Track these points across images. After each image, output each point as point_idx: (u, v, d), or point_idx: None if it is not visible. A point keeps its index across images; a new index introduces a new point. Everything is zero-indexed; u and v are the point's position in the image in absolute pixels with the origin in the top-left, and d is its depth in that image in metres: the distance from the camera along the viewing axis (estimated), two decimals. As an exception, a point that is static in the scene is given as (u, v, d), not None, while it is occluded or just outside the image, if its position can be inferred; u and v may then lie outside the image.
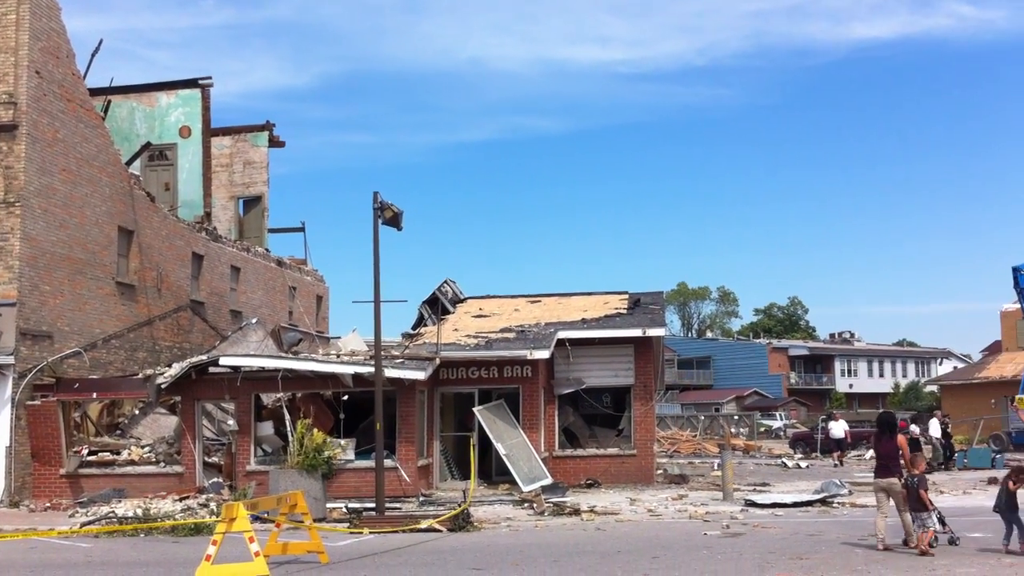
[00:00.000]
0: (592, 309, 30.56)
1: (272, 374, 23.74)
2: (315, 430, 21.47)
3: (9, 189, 24.08)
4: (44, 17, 25.22)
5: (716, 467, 31.01)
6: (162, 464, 24.19)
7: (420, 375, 23.56)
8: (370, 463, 21.75)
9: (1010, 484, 14.14)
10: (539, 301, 33.09)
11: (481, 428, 25.07)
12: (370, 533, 17.30)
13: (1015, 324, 51.03)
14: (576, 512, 20.21)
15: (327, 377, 23.73)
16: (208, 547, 12.11)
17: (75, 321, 26.05)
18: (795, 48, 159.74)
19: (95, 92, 30.20)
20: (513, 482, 24.19)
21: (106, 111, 31.95)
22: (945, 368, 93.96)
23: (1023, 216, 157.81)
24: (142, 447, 25.01)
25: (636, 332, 27.44)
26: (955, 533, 14.80)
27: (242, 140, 40.07)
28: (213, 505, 20.60)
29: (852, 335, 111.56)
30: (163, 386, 24.11)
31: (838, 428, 38.84)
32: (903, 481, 14.26)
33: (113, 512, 20.40)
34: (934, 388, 68.96)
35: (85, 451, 24.53)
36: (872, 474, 15.55)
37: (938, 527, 14.12)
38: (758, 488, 25.74)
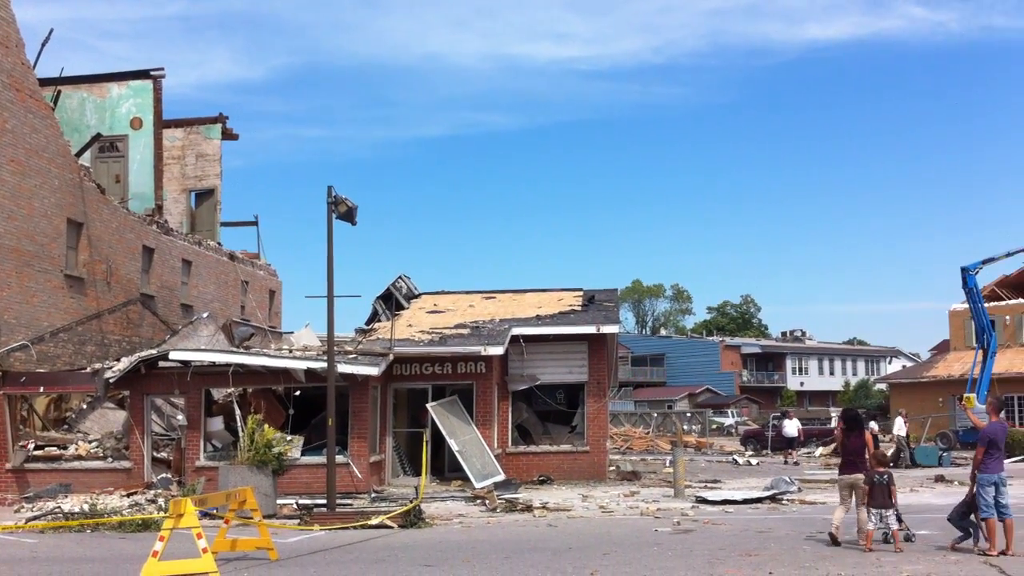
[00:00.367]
0: (547, 306, 30.61)
1: (223, 369, 23.54)
2: (266, 426, 21.30)
3: (-46, 179, 23.64)
4: (-8, 5, 24.79)
5: (668, 464, 31.19)
6: (110, 459, 23.90)
7: (373, 371, 23.46)
8: (322, 459, 21.61)
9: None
10: (494, 297, 33.09)
11: (434, 424, 25.03)
12: (321, 530, 17.18)
13: (963, 324, 51.76)
14: (528, 508, 20.23)
15: (279, 372, 23.57)
16: (155, 543, 11.96)
17: (23, 314, 25.64)
18: (750, 48, 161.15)
19: (45, 82, 29.71)
20: (466, 478, 24.17)
21: (56, 101, 31.44)
22: (894, 367, 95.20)
23: (972, 216, 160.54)
24: (90, 442, 24.69)
25: (590, 329, 27.52)
26: (911, 530, 14.99)
27: (195, 132, 39.65)
28: (161, 501, 20.36)
29: (803, 333, 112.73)
30: (112, 380, 23.83)
31: (791, 426, 39.28)
32: (870, 478, 14.38)
33: (59, 507, 20.12)
34: (883, 386, 69.83)
35: (31, 446, 24.17)
36: (837, 470, 15.67)
37: (896, 524, 14.27)
38: (709, 485, 25.92)
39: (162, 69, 35.96)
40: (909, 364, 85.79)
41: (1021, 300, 52.67)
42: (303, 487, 22.47)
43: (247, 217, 43.91)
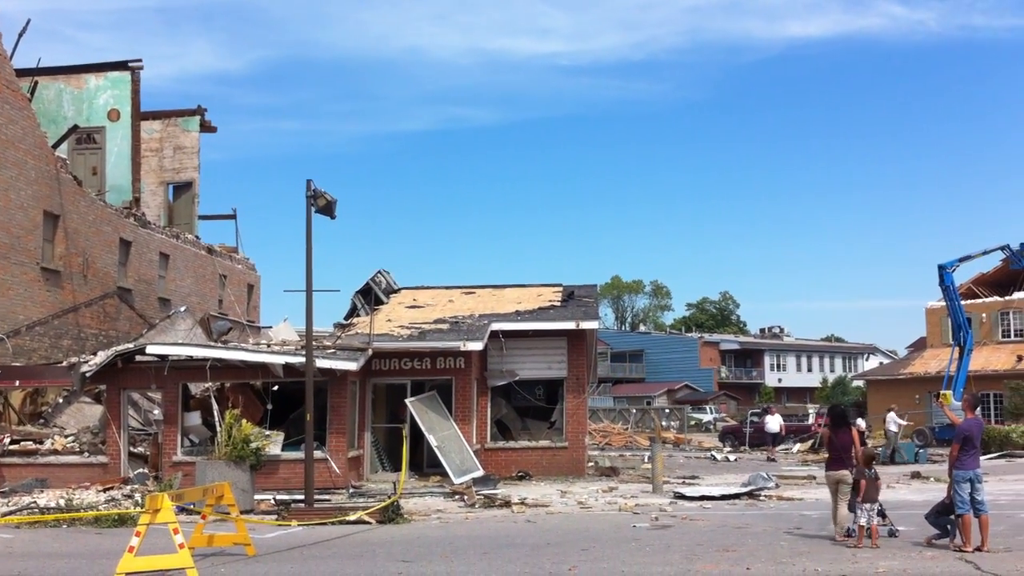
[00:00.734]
0: (526, 301, 30.59)
1: (200, 363, 23.42)
2: (244, 421, 21.20)
3: (-71, 170, 23.42)
4: (-32, -5, 24.56)
5: (647, 460, 31.23)
6: (86, 454, 23.74)
7: (352, 366, 23.38)
8: (300, 454, 21.54)
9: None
10: (473, 292, 33.03)
11: (413, 420, 24.96)
12: (298, 525, 17.12)
13: (940, 321, 52.12)
14: (507, 504, 20.22)
15: (257, 367, 23.47)
16: (132, 538, 11.87)
17: (-3, 307, 25.44)
18: (730, 45, 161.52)
19: (21, 73, 29.50)
20: (444, 474, 24.13)
21: (33, 93, 31.23)
22: (871, 363, 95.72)
23: (949, 214, 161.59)
24: (66, 436, 24.53)
25: (569, 325, 27.51)
26: (894, 525, 15.09)
27: (173, 124, 39.45)
28: (138, 496, 20.25)
29: (781, 330, 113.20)
30: (88, 374, 23.66)
31: (774, 422, 39.24)
32: (861, 473, 14.44)
33: (35, 502, 19.98)
34: (861, 383, 70.20)
35: (7, 440, 23.98)
36: (824, 466, 15.75)
37: (877, 520, 14.32)
38: (687, 481, 25.98)
39: (140, 60, 35.77)
40: (886, 361, 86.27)
41: (997, 298, 53.10)
42: (281, 482, 22.39)
43: (225, 210, 43.81)
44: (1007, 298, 52.84)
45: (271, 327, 32.34)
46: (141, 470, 23.31)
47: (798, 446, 42.18)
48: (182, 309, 31.16)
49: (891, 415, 35.67)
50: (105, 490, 21.47)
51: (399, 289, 33.56)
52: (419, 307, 30.74)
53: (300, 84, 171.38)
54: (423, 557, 13.66)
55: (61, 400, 26.92)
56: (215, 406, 23.27)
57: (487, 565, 12.94)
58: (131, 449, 24.05)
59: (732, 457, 38.64)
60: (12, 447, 23.82)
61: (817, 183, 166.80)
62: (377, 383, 26.38)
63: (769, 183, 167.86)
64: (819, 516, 17.83)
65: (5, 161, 25.91)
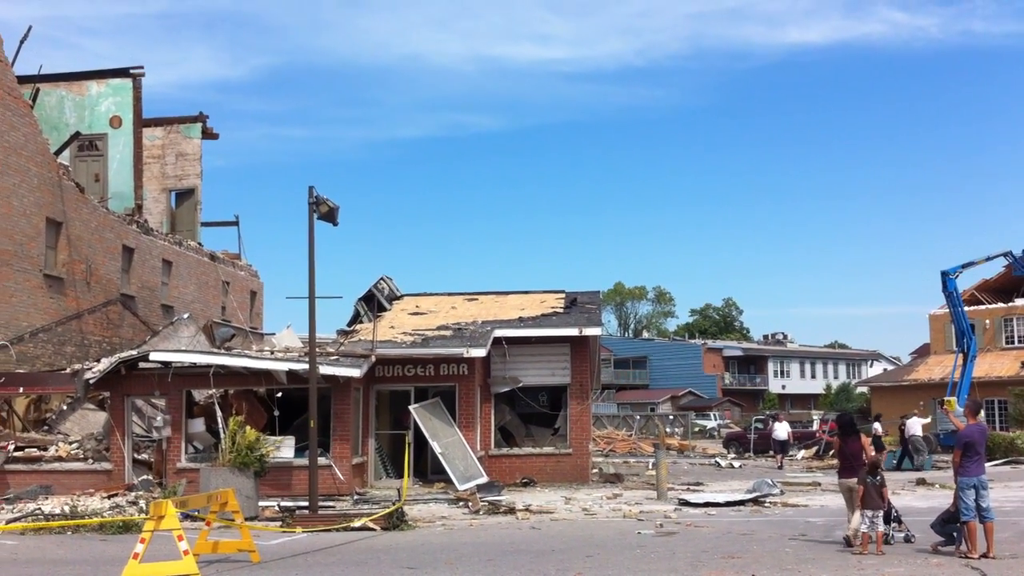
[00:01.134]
0: (529, 308, 30.58)
1: (204, 370, 23.41)
2: (248, 427, 21.17)
3: (-67, 178, 23.44)
4: (-28, 2, 24.60)
5: (651, 466, 31.22)
6: (90, 461, 23.73)
7: (355, 372, 23.37)
8: (304, 461, 21.52)
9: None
10: (476, 299, 33.03)
11: (417, 426, 24.96)
12: (303, 532, 17.09)
13: (943, 327, 52.05)
14: (511, 511, 20.18)
15: (260, 374, 23.47)
16: (136, 545, 11.86)
17: (1, 314, 25.46)
18: (731, 51, 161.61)
19: (23, 80, 29.52)
20: (448, 481, 24.10)
21: (34, 99, 31.24)
22: (875, 370, 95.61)
23: (952, 221, 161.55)
24: (70, 443, 24.52)
25: (573, 331, 27.50)
26: (911, 531, 15.06)
27: (175, 131, 39.48)
28: (142, 503, 20.20)
29: (785, 336, 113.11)
30: (92, 381, 23.66)
31: (782, 429, 39.00)
32: (863, 479, 14.42)
33: (40, 509, 19.95)
34: (865, 390, 70.12)
35: (11, 447, 23.96)
36: (836, 474, 15.78)
37: (883, 527, 14.26)
38: (692, 487, 25.93)
39: (142, 67, 35.82)
40: (890, 367, 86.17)
41: (1001, 304, 53.02)
42: (285, 489, 22.37)
43: (228, 217, 43.81)
44: (1010, 304, 52.76)
45: (274, 334, 32.34)
46: (145, 477, 23.29)
47: (802, 453, 42.12)
48: (185, 316, 31.16)
49: (914, 419, 35.45)
50: (109, 497, 21.43)
51: (402, 296, 33.57)
52: (422, 314, 30.74)
53: (302, 91, 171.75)
54: (428, 564, 13.63)
55: (65, 407, 26.91)
56: (219, 413, 23.25)
57: (492, 572, 12.91)
58: (135, 456, 24.03)
59: (737, 464, 38.57)
60: (16, 454, 23.80)
61: (820, 189, 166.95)
62: (380, 390, 26.37)
63: (772, 189, 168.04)
64: (824, 523, 17.80)
65: (7, 168, 25.94)
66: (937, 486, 25.81)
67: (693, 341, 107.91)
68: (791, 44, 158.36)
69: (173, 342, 27.67)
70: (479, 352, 25.59)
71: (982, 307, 52.38)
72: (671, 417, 67.27)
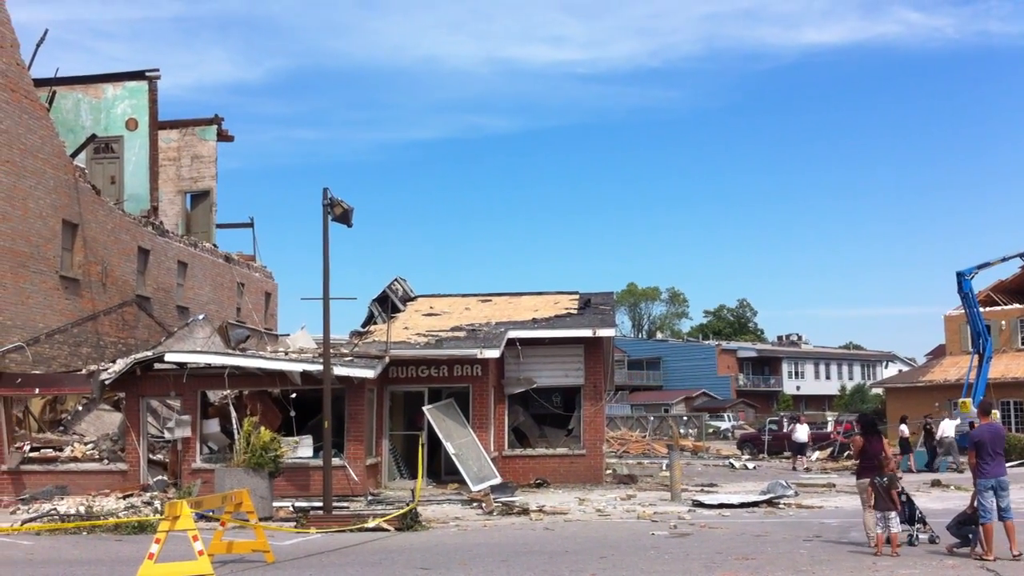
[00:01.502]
0: (543, 309, 30.59)
1: (219, 371, 23.49)
2: (262, 428, 21.24)
3: (-50, 180, 23.59)
4: (-13, 6, 24.76)
5: (664, 468, 31.15)
6: (106, 461, 23.84)
7: (369, 373, 23.42)
8: (318, 461, 21.58)
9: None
10: (490, 300, 33.05)
11: (430, 427, 24.99)
12: (317, 532, 17.14)
13: (959, 328, 51.83)
14: (525, 512, 20.19)
15: (275, 375, 23.54)
16: (151, 545, 11.91)
17: (18, 315, 25.58)
18: (746, 52, 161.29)
19: (40, 83, 29.67)
20: (462, 481, 24.13)
21: (51, 102, 31.39)
22: (890, 371, 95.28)
23: (967, 221, 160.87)
24: (85, 444, 24.63)
25: (586, 332, 27.49)
26: (935, 532, 15.02)
27: (190, 134, 39.64)
28: (157, 503, 20.30)
29: (799, 338, 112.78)
30: (107, 382, 23.77)
31: (802, 431, 38.81)
32: (871, 480, 14.40)
33: (55, 509, 20.06)
34: (880, 391, 69.87)
35: (27, 447, 24.11)
36: (856, 474, 15.77)
37: (897, 528, 14.21)
38: (706, 489, 25.89)
39: (157, 70, 35.95)
40: (905, 369, 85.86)
41: (1017, 305, 52.77)
42: (299, 490, 22.43)
43: (243, 219, 44.01)
44: (1027, 305, 52.53)
45: (289, 335, 32.41)
46: (160, 477, 23.39)
47: (817, 454, 41.97)
48: (200, 317, 31.27)
49: (947, 421, 35.23)
50: (125, 497, 21.54)
51: (416, 297, 33.62)
52: (436, 315, 30.78)
53: (316, 93, 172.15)
54: (442, 564, 13.65)
55: (81, 408, 27.04)
56: (233, 414, 23.33)
57: (506, 573, 12.93)
58: (150, 456, 24.13)
59: (751, 465, 38.47)
60: (32, 454, 23.94)
61: (834, 190, 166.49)
62: (394, 391, 26.42)
63: (786, 190, 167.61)
64: (839, 524, 17.75)
65: (24, 170, 26.08)
66: (952, 488, 25.72)
67: (707, 342, 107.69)
68: (806, 45, 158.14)
69: (188, 343, 27.77)
70: (493, 353, 25.61)
71: (998, 308, 52.12)
72: (685, 418, 67.11)
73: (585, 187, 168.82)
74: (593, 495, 24.03)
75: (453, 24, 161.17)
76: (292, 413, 23.88)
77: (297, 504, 20.98)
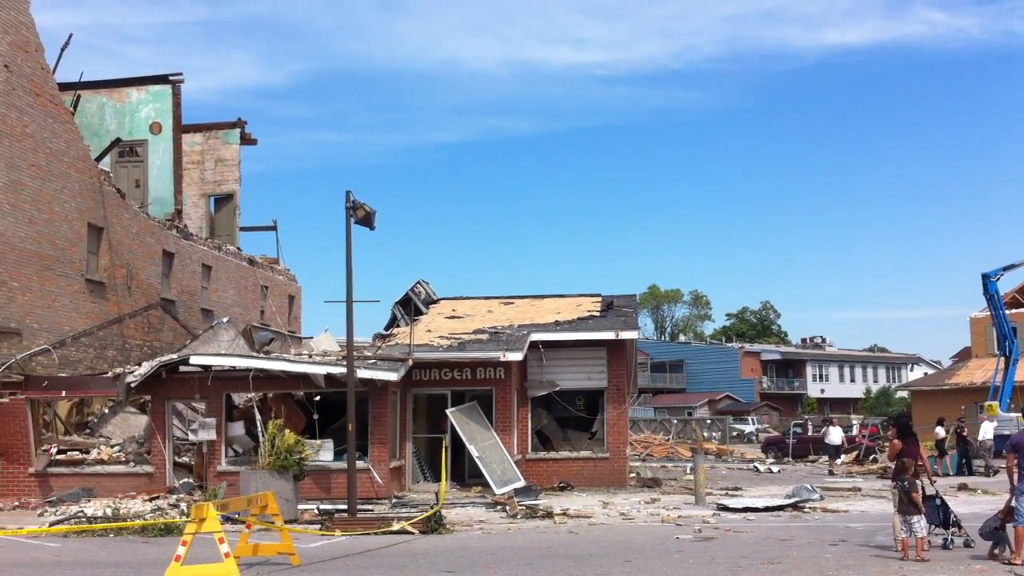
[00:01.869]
0: (565, 311, 30.55)
1: (243, 374, 23.58)
2: (287, 431, 21.31)
3: (-22, 184, 23.80)
4: (12, 10, 24.95)
5: (688, 471, 31.04)
6: (132, 464, 23.97)
7: (392, 376, 23.45)
8: (342, 464, 21.62)
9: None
10: (512, 303, 33.04)
11: (454, 430, 25.00)
12: (342, 535, 17.18)
13: (984, 330, 51.51)
14: (549, 515, 20.16)
15: (299, 377, 23.59)
16: (178, 548, 11.96)
17: (44, 318, 25.77)
18: (769, 53, 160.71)
19: (64, 87, 29.87)
20: (486, 484, 24.12)
21: (75, 106, 31.61)
22: (916, 374, 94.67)
23: (993, 223, 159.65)
24: (112, 446, 24.77)
25: (609, 335, 27.43)
26: (970, 536, 14.93)
27: (214, 137, 39.83)
28: (183, 505, 20.41)
29: (824, 340, 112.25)
30: (133, 385, 23.89)
31: (835, 434, 38.49)
32: (894, 484, 14.31)
33: (82, 511, 20.19)
34: (905, 394, 69.44)
35: (54, 450, 24.26)
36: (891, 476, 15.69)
37: (923, 532, 14.12)
38: (730, 492, 25.78)
39: (181, 74, 36.14)
40: (930, 371, 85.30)
41: (1043, 306, 52.35)
42: (324, 492, 22.48)
43: (266, 222, 44.12)
44: (1053, 307, 52.12)
45: (312, 338, 32.52)
46: (186, 479, 23.49)
47: (843, 457, 41.69)
48: (224, 320, 31.41)
49: (987, 423, 34.95)
50: (151, 499, 21.64)
51: (438, 300, 33.65)
52: (458, 317, 30.79)
53: (338, 96, 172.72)
54: (466, 567, 13.65)
55: (107, 410, 27.20)
56: (258, 416, 23.41)
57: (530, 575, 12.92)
58: (176, 459, 24.24)
59: (775, 468, 38.29)
60: (59, 457, 24.09)
61: (858, 191, 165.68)
62: (418, 393, 26.44)
63: (809, 191, 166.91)
64: (865, 528, 17.64)
65: (49, 174, 26.27)
66: (979, 491, 25.53)
67: (730, 345, 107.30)
68: (829, 45, 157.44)
69: (213, 346, 27.89)
70: (516, 356, 25.60)
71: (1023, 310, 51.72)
72: (708, 421, 66.94)
73: (607, 189, 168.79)
74: (617, 499, 23.98)
75: (474, 26, 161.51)
76: (315, 416, 23.94)
77: (322, 507, 21.04)
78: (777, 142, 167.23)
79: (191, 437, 24.51)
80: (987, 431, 34.27)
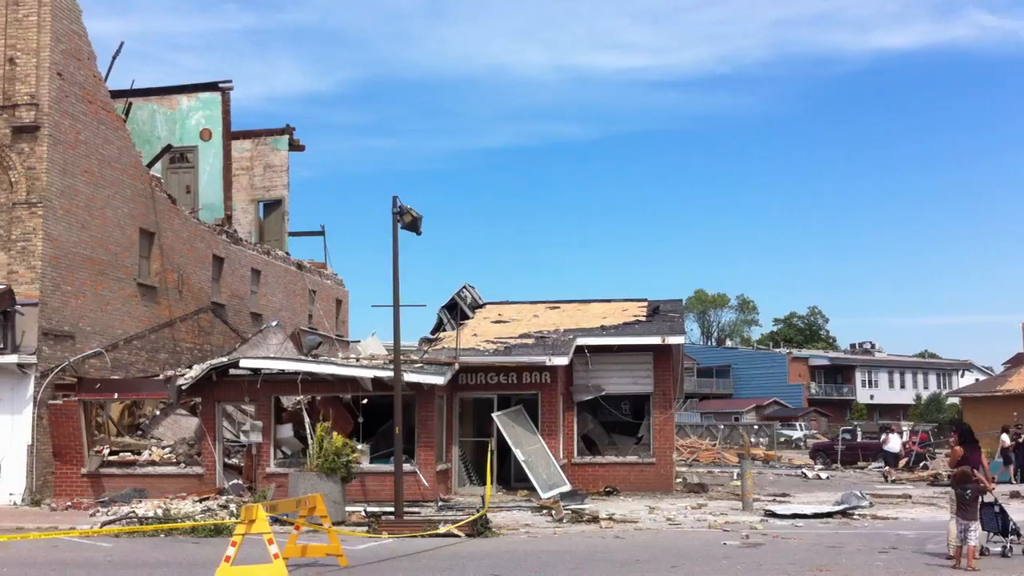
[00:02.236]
0: (611, 316, 30.50)
1: (292, 377, 23.80)
2: (335, 433, 21.49)
3: (31, 190, 24.24)
4: (65, 19, 25.37)
5: (735, 477, 30.86)
6: (182, 465, 24.27)
7: (439, 380, 23.54)
8: (389, 467, 21.75)
9: None
10: (558, 307, 33.04)
11: (500, 434, 25.04)
12: (389, 537, 17.29)
13: (1038, 336, 50.61)
14: (595, 519, 20.14)
15: (346, 380, 23.76)
16: (228, 548, 12.11)
17: (97, 321, 26.17)
18: (817, 57, 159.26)
19: (116, 94, 30.31)
20: (532, 488, 24.14)
21: (127, 113, 32.07)
22: (967, 380, 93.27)
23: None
24: (163, 448, 25.10)
25: (655, 340, 27.34)
26: None
27: (262, 143, 40.22)
28: (233, 507, 20.63)
29: (873, 346, 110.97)
30: (184, 387, 24.19)
31: (895, 441, 37.95)
32: (955, 489, 14.17)
33: (134, 512, 20.47)
34: (956, 400, 68.50)
35: (106, 451, 24.63)
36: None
37: (974, 540, 13.94)
38: (778, 498, 25.59)
39: (230, 81, 36.56)
40: (982, 378, 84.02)
41: (1099, 312, 51.36)
42: (371, 495, 22.62)
43: (314, 227, 44.53)
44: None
45: (359, 341, 32.69)
46: (235, 481, 23.74)
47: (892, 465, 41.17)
48: (273, 324, 31.68)
49: None
50: (201, 500, 21.90)
51: (484, 304, 33.73)
52: (504, 322, 30.84)
53: (386, 102, 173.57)
54: (512, 571, 13.68)
55: (158, 412, 27.55)
56: (306, 419, 23.61)
57: (577, 580, 12.92)
58: (225, 460, 24.50)
59: (824, 475, 37.92)
60: (111, 458, 24.46)
61: (908, 195, 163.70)
62: (464, 397, 26.52)
63: (858, 196, 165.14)
64: (916, 536, 17.43)
65: (102, 180, 26.68)
66: (1033, 499, 25.15)
67: (778, 350, 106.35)
68: (878, 49, 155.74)
69: (262, 349, 28.15)
70: (561, 360, 25.60)
71: (1079, 315, 50.82)
72: (756, 427, 66.35)
73: (654, 193, 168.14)
74: (663, 504, 23.89)
75: (521, 32, 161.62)
76: (360, 419, 24.10)
77: (369, 509, 21.17)
78: (825, 146, 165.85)
79: (241, 439, 24.78)
80: None
